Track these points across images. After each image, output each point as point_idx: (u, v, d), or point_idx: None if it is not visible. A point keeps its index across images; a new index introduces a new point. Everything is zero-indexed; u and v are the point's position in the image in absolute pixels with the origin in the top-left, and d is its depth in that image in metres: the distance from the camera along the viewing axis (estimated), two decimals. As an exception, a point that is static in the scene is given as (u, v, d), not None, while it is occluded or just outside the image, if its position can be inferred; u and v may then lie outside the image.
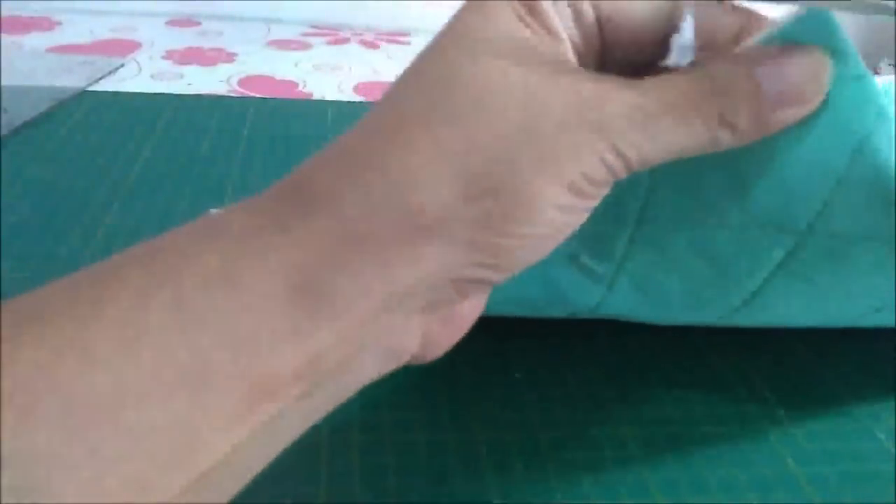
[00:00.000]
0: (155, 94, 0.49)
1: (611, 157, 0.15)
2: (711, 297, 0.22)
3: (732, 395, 0.25)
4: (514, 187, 0.15)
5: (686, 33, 0.17)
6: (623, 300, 0.23)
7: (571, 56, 0.17)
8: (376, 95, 0.55)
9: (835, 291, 0.21)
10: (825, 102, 0.17)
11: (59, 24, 0.66)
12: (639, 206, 0.20)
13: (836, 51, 0.17)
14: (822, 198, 0.19)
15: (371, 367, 0.16)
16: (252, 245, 0.14)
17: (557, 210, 0.15)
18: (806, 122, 0.18)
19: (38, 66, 0.52)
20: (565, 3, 0.17)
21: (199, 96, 0.49)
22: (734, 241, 0.20)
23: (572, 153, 0.15)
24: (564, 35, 0.17)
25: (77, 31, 0.64)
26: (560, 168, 0.15)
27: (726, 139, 0.16)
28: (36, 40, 0.61)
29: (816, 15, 0.17)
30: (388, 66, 0.63)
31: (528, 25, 0.16)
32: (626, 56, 0.18)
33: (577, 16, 0.17)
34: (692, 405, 0.24)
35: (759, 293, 0.22)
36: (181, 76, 0.55)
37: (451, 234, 0.15)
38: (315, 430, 0.16)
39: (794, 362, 0.27)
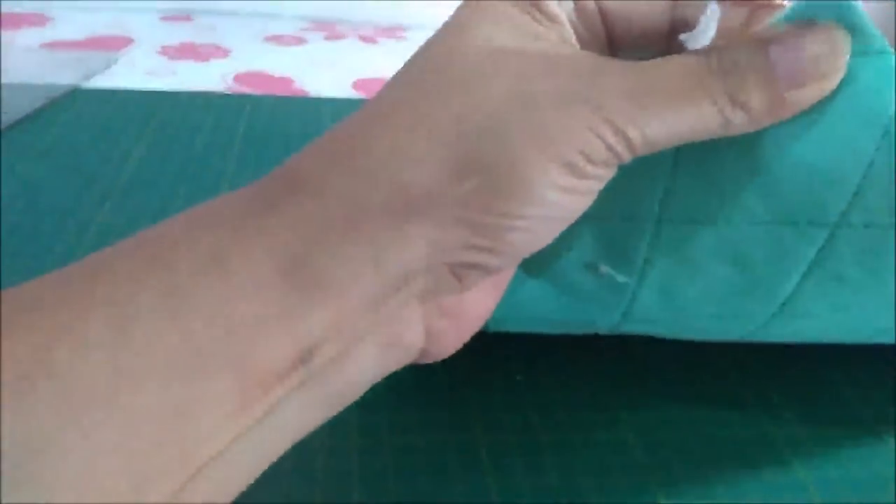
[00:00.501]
0: (149, 90, 0.48)
1: (609, 135, 0.15)
2: (742, 306, 0.21)
3: (738, 399, 0.25)
4: (504, 164, 0.14)
5: (707, 24, 0.16)
6: (648, 314, 0.21)
7: (573, 40, 0.17)
8: (374, 92, 0.54)
9: (870, 293, 0.20)
10: (845, 81, 0.16)
11: (52, 20, 0.65)
12: (657, 202, 0.19)
13: (853, 27, 0.16)
14: (852, 185, 0.18)
15: (373, 360, 0.15)
16: (240, 229, 0.14)
17: (554, 190, 0.15)
18: (828, 104, 0.17)
19: (31, 62, 0.52)
20: None
21: (193, 93, 0.49)
22: (762, 239, 0.19)
23: (566, 129, 0.14)
24: (566, 22, 0.16)
25: (70, 27, 0.64)
26: (553, 144, 0.14)
27: (739, 121, 0.16)
28: (28, 37, 0.60)
29: None
30: (387, 61, 0.62)
31: (526, 12, 0.16)
32: (636, 51, 0.17)
33: (580, 8, 0.17)
34: (697, 408, 0.24)
35: (791, 299, 0.20)
36: (175, 72, 0.54)
37: (439, 212, 0.14)
38: (312, 432, 0.15)
39: (800, 365, 0.26)
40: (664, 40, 0.18)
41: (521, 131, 0.14)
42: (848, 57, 0.16)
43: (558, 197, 0.15)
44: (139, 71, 0.54)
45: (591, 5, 0.17)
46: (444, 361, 0.18)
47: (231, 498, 0.14)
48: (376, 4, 0.77)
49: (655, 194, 0.19)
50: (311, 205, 0.14)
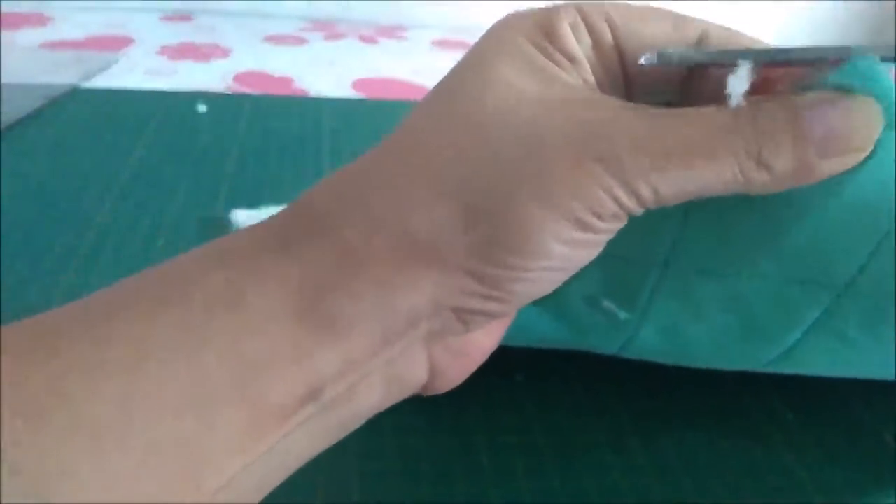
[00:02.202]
0: (149, 90, 0.48)
1: (620, 193, 0.14)
2: (742, 351, 0.21)
3: (738, 399, 0.25)
4: (510, 219, 0.14)
5: (735, 86, 0.15)
6: (647, 347, 0.21)
7: (590, 80, 0.16)
8: (374, 92, 0.54)
9: (870, 352, 0.20)
10: (870, 153, 0.16)
11: (52, 19, 0.65)
12: (665, 248, 0.19)
13: (880, 99, 0.16)
14: (863, 254, 0.18)
15: (378, 395, 0.15)
16: (255, 266, 0.14)
17: (561, 244, 0.15)
18: (850, 174, 0.16)
19: (31, 62, 0.52)
20: (584, 30, 0.16)
21: (193, 93, 0.49)
22: (768, 294, 0.19)
23: (576, 185, 0.14)
24: (584, 60, 0.16)
25: (69, 26, 0.64)
26: (562, 200, 0.14)
27: (761, 181, 0.15)
28: (28, 36, 0.60)
29: (863, 63, 0.16)
30: (387, 61, 0.62)
31: (543, 50, 0.16)
32: (653, 92, 0.17)
33: (597, 44, 0.16)
34: (697, 409, 0.24)
35: (792, 351, 0.20)
36: (175, 72, 0.54)
37: (446, 261, 0.15)
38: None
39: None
40: (682, 81, 0.17)
41: (529, 186, 0.14)
42: (879, 131, 0.16)
43: (565, 251, 0.15)
44: (139, 71, 0.54)
45: (609, 44, 0.16)
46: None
47: None
48: (376, 4, 0.77)
49: (664, 241, 0.19)
50: (323, 246, 0.14)
